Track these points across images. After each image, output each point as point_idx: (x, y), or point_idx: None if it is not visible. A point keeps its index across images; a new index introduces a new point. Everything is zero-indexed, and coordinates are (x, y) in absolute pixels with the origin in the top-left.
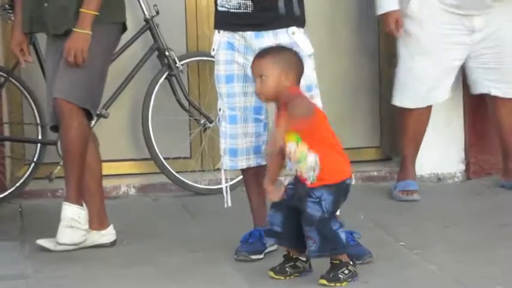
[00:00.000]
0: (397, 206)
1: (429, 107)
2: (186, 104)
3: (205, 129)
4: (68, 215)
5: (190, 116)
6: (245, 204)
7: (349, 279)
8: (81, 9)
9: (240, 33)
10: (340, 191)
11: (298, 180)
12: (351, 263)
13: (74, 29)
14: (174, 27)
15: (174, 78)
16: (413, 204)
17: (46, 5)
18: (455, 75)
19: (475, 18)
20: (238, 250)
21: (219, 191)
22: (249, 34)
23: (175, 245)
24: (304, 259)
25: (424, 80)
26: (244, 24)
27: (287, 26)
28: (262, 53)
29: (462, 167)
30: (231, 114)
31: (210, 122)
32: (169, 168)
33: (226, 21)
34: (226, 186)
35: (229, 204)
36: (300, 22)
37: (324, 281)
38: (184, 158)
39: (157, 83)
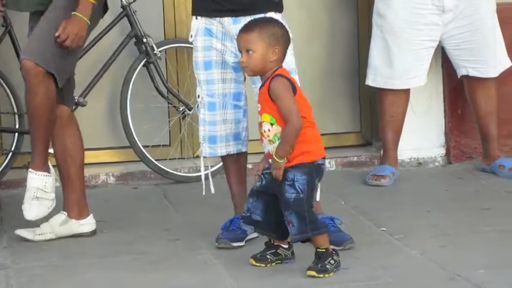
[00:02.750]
0: (378, 191)
1: (406, 91)
2: (164, 91)
3: (184, 117)
4: (33, 184)
5: (169, 103)
6: (225, 192)
7: (335, 269)
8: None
9: (218, 19)
10: (312, 170)
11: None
12: (335, 252)
13: (74, 13)
14: (152, 14)
15: (152, 66)
16: (394, 188)
17: None
18: (429, 58)
19: None
20: (219, 237)
21: (199, 179)
22: (227, 20)
23: (155, 233)
24: (286, 246)
25: (397, 61)
26: (222, 10)
27: (265, 11)
28: (249, 26)
29: (443, 151)
30: (210, 101)
31: (189, 109)
32: (149, 156)
33: (204, 7)
34: (206, 174)
35: (212, 191)
36: (278, 7)
37: (313, 273)
38: (163, 145)
39: (135, 70)
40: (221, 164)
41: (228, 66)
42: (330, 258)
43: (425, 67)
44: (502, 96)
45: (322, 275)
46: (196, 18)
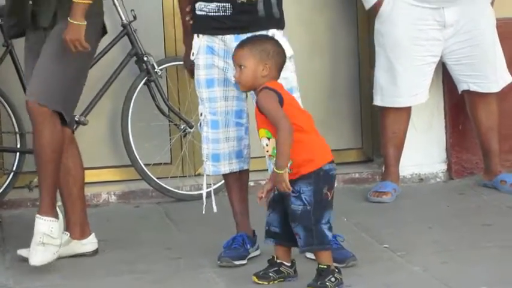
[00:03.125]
0: (380, 207)
1: (408, 107)
2: (165, 109)
3: (185, 135)
4: (40, 229)
5: (170, 121)
6: (227, 210)
7: (336, 287)
8: (73, 0)
9: (220, 36)
10: (319, 179)
11: None
12: (337, 270)
13: (69, 20)
14: (152, 32)
15: (153, 84)
16: (396, 205)
17: (30, 2)
18: (431, 74)
19: (445, 12)
20: (221, 256)
21: (201, 197)
22: (229, 37)
23: (157, 252)
24: (289, 264)
25: (400, 78)
26: (224, 27)
27: (267, 28)
28: (242, 42)
29: (444, 167)
30: (213, 119)
31: (190, 127)
32: (150, 175)
33: (206, 25)
34: (209, 192)
35: (215, 209)
36: (280, 24)
37: None
38: (164, 163)
39: (136, 88)
40: (223, 182)
41: (230, 84)
42: (331, 276)
43: (427, 83)
44: (503, 111)
45: None
46: (197, 36)
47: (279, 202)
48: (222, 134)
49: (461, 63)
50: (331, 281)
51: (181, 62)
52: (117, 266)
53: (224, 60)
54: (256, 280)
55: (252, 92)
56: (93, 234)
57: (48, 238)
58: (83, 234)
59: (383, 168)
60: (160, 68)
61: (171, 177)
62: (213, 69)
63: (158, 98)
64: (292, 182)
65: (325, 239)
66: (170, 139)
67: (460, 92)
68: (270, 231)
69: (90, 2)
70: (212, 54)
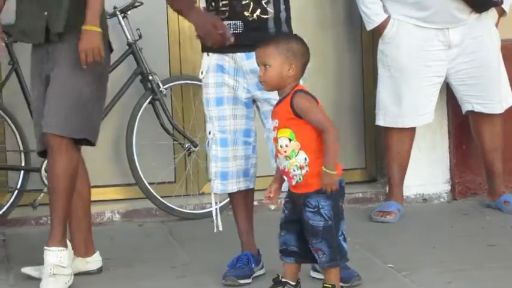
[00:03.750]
0: (383, 227)
1: (413, 128)
2: (170, 128)
3: (189, 153)
4: (49, 261)
5: (174, 140)
6: (231, 229)
7: None
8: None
9: (230, 55)
10: (337, 192)
11: (291, 192)
12: None
13: (83, 27)
14: (157, 51)
15: (157, 103)
16: (399, 225)
17: (46, 13)
18: (437, 94)
19: (450, 33)
20: (226, 275)
21: (204, 216)
22: (240, 55)
23: (161, 270)
24: (294, 283)
25: (406, 99)
26: (235, 45)
27: None
28: (267, 40)
29: (448, 187)
30: (222, 137)
31: (195, 146)
32: (154, 193)
33: None
34: (216, 210)
35: (220, 228)
36: None
37: None
38: (168, 182)
39: (141, 107)
40: (227, 200)
41: (239, 102)
42: None
43: (433, 104)
44: (507, 132)
45: None
46: (207, 55)
47: (292, 222)
48: (231, 153)
49: (465, 83)
50: None
51: (187, 81)
52: (121, 284)
53: (234, 79)
54: None
55: (266, 110)
56: (97, 252)
57: (58, 268)
58: (87, 252)
59: (387, 188)
60: (165, 87)
61: (175, 196)
62: (223, 87)
63: (163, 117)
64: (308, 195)
65: (343, 251)
66: (174, 158)
67: (464, 112)
68: (288, 251)
69: (102, 7)
70: (222, 72)
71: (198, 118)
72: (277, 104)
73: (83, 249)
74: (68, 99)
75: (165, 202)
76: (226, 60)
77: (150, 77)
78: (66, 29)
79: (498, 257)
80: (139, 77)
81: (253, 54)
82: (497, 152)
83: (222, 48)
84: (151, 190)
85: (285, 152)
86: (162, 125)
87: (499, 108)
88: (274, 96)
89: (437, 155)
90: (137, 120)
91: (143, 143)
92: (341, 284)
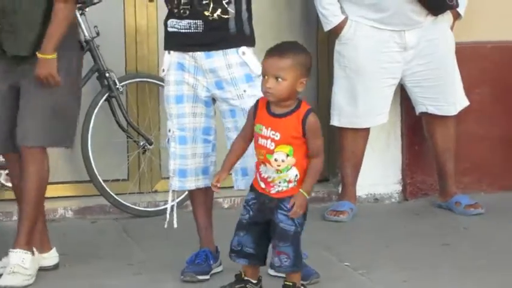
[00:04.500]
0: (337, 226)
1: (367, 128)
2: (125, 125)
3: (144, 151)
4: (12, 261)
5: (129, 137)
6: (185, 226)
7: None
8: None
9: (191, 53)
10: (307, 202)
11: (259, 194)
12: (303, 287)
13: (38, 55)
14: (113, 49)
15: (114, 100)
16: (353, 224)
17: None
18: (391, 95)
19: (406, 35)
20: (184, 271)
21: (158, 213)
22: (199, 54)
23: (118, 267)
24: (255, 282)
25: (362, 100)
26: (195, 44)
27: (237, 45)
28: (283, 51)
29: (399, 187)
30: (181, 134)
31: (150, 144)
32: (109, 191)
33: (177, 41)
34: (173, 207)
35: (175, 225)
36: (250, 41)
37: None
38: (122, 180)
39: (97, 104)
40: (181, 198)
41: (199, 101)
42: None
43: (388, 105)
44: (460, 134)
45: None
46: (169, 53)
47: (256, 224)
48: (190, 150)
49: (420, 85)
50: None
51: (143, 79)
52: (80, 281)
53: (194, 77)
54: None
55: (225, 109)
56: (54, 248)
57: (18, 267)
58: (44, 249)
59: (339, 188)
60: (121, 84)
61: (129, 193)
62: (183, 85)
63: (119, 115)
64: (284, 199)
65: (302, 258)
66: (128, 156)
67: (417, 114)
68: (244, 252)
69: (61, 37)
70: (182, 70)
71: (153, 116)
72: (277, 115)
73: (39, 246)
74: (45, 111)
75: (119, 199)
76: (187, 58)
77: (107, 74)
78: (34, 51)
79: (452, 256)
80: (96, 74)
81: (212, 53)
82: (450, 153)
83: (182, 47)
84: (106, 187)
85: (279, 166)
86: (118, 123)
87: (452, 110)
88: (232, 96)
89: (389, 156)
90: (93, 117)
91: (98, 140)
92: (303, 284)
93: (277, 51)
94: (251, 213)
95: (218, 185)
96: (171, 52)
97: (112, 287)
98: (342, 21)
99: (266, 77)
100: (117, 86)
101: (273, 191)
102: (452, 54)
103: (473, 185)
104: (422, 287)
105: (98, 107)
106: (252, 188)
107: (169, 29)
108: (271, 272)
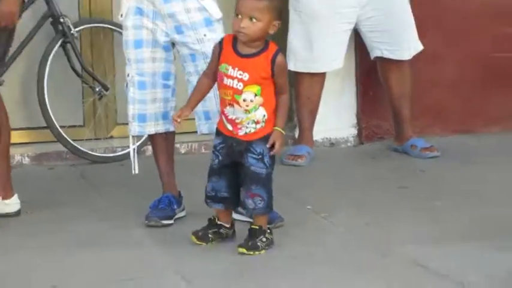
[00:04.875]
0: (295, 170)
1: (323, 73)
2: (81, 71)
3: (100, 97)
4: None
5: (85, 83)
6: (144, 172)
7: (267, 247)
8: None
9: None
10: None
11: (226, 137)
12: (269, 230)
13: None
14: None
15: (69, 46)
16: (310, 168)
17: None
18: (347, 40)
19: None
20: (148, 216)
21: (115, 159)
22: None
23: (81, 213)
24: (228, 225)
25: (317, 44)
26: None
27: None
28: None
29: (354, 131)
30: (140, 79)
31: (106, 90)
32: (66, 137)
33: None
34: (134, 152)
35: (137, 171)
36: None
37: (243, 250)
38: (78, 126)
39: (52, 50)
40: (139, 143)
41: (158, 45)
42: (262, 236)
43: (343, 49)
44: (414, 78)
45: (252, 252)
46: None
47: (226, 167)
48: (149, 95)
49: (375, 30)
50: (262, 241)
51: (97, 24)
52: (44, 226)
53: (153, 22)
54: (195, 240)
55: (186, 53)
56: (16, 195)
57: None
58: (6, 195)
59: (295, 132)
60: (76, 29)
61: (86, 139)
62: (142, 30)
63: (74, 60)
64: (253, 142)
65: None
66: (83, 102)
67: (372, 58)
68: (218, 197)
69: None
70: (141, 15)
71: (109, 62)
72: (245, 56)
73: (1, 192)
74: None
75: (76, 145)
76: (145, 3)
77: (62, 20)
78: None
79: (411, 198)
80: (50, 19)
81: None
82: (405, 98)
83: None
84: (63, 133)
85: (247, 106)
86: (73, 68)
87: (407, 55)
88: (192, 40)
89: (344, 100)
90: (48, 63)
91: (54, 86)
92: (269, 228)
93: None
94: (220, 157)
95: (179, 120)
96: None
97: (78, 232)
98: None
99: (240, 16)
100: (72, 32)
101: (240, 133)
102: None
103: (426, 128)
104: (384, 229)
105: (53, 53)
106: (218, 132)
107: None
108: (236, 216)
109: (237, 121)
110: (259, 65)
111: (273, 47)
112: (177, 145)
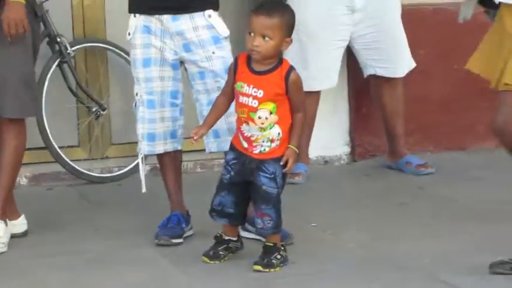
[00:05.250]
0: (292, 188)
1: (318, 91)
2: (78, 91)
3: (97, 117)
4: None
5: (81, 103)
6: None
7: (281, 264)
8: None
9: (157, 16)
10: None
11: (240, 153)
12: (283, 247)
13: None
14: (60, 14)
15: (65, 65)
16: (308, 186)
17: None
18: (341, 58)
19: None
20: (158, 235)
21: (113, 179)
22: (166, 17)
23: (87, 233)
24: (235, 239)
25: (313, 62)
26: (161, 7)
27: (203, 9)
28: (271, 10)
29: (348, 149)
30: (149, 98)
31: (103, 110)
32: (64, 157)
33: (143, 4)
34: (143, 172)
35: (144, 190)
36: (215, 5)
37: (259, 267)
38: (75, 146)
39: (49, 70)
40: (134, 164)
41: (166, 64)
42: (277, 253)
43: (338, 67)
44: (407, 95)
45: (268, 270)
46: (134, 16)
47: (237, 184)
48: (158, 114)
49: (369, 47)
50: (276, 258)
51: (92, 44)
52: (53, 247)
53: (161, 40)
54: (208, 260)
55: (194, 71)
56: (23, 215)
57: None
58: (13, 215)
59: None
60: (73, 49)
61: (83, 159)
62: (150, 48)
63: (71, 80)
64: (266, 161)
65: (281, 220)
66: (78, 122)
67: (365, 76)
68: (224, 212)
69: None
70: (149, 34)
71: (104, 82)
72: (259, 73)
73: (8, 212)
74: (16, 80)
75: (74, 166)
76: (153, 21)
77: (58, 39)
78: None
79: (414, 214)
80: (47, 39)
81: (179, 16)
82: (398, 115)
83: (148, 10)
84: (61, 154)
85: (262, 124)
86: (70, 88)
87: (400, 72)
88: (201, 58)
89: (337, 118)
90: (46, 83)
91: (51, 106)
92: (283, 245)
93: (265, 9)
94: (232, 173)
95: (195, 138)
96: (137, 15)
97: (88, 252)
98: None
99: (253, 34)
100: (69, 51)
101: (255, 151)
102: (399, 16)
103: (419, 145)
104: (394, 245)
105: (50, 72)
106: (233, 148)
107: None
108: (244, 234)
109: (252, 138)
110: (274, 81)
111: (286, 64)
112: (197, 162)
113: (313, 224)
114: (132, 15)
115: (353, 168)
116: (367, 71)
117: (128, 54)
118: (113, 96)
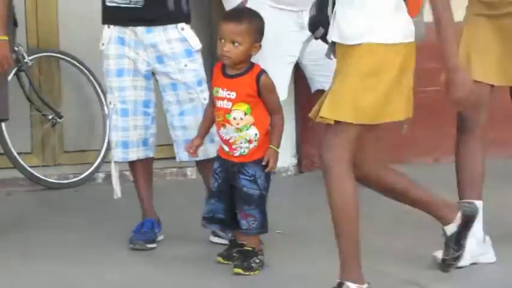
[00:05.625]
0: None
1: None
2: (35, 99)
3: (53, 125)
4: None
5: (38, 111)
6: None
7: (260, 268)
8: None
9: (131, 28)
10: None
11: (224, 161)
12: (260, 251)
13: None
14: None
15: (23, 74)
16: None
17: None
18: (290, 73)
19: (304, 15)
20: (132, 239)
21: (69, 185)
22: (140, 29)
23: (58, 238)
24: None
25: None
26: (135, 19)
27: (176, 22)
28: (238, 17)
29: (294, 161)
30: (122, 107)
31: (60, 118)
32: (23, 163)
33: (117, 16)
34: (116, 178)
35: (119, 195)
36: (188, 19)
37: (239, 270)
38: (30, 153)
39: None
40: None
41: (139, 74)
42: (255, 257)
43: (287, 82)
44: None
45: (248, 273)
46: (108, 27)
47: (224, 192)
48: (131, 122)
49: (317, 63)
50: (255, 262)
51: (47, 54)
52: (31, 249)
53: (135, 51)
54: (222, 260)
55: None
56: None
57: None
58: None
59: None
60: (30, 58)
61: (42, 165)
62: (124, 59)
63: (28, 88)
64: (245, 164)
65: (267, 221)
66: (33, 130)
67: (313, 91)
68: (215, 218)
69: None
70: (123, 44)
71: (58, 91)
72: (231, 76)
73: None
74: None
75: (33, 172)
76: (127, 33)
77: (16, 48)
78: None
79: (376, 222)
80: None
81: (153, 28)
82: None
83: (123, 21)
84: (20, 160)
85: (238, 124)
86: (27, 97)
87: None
88: (173, 70)
89: (285, 131)
90: None
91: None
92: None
93: (234, 16)
94: (219, 181)
95: (191, 151)
96: (111, 26)
97: (64, 256)
98: (242, 2)
99: (223, 40)
100: (26, 60)
101: (236, 154)
102: None
103: None
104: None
105: (9, 81)
106: (218, 157)
107: (108, 4)
108: (214, 239)
109: (231, 141)
110: (246, 83)
111: (257, 68)
112: (168, 170)
113: (278, 231)
114: (106, 26)
115: (300, 179)
116: (315, 86)
117: (80, 63)
118: (66, 104)
